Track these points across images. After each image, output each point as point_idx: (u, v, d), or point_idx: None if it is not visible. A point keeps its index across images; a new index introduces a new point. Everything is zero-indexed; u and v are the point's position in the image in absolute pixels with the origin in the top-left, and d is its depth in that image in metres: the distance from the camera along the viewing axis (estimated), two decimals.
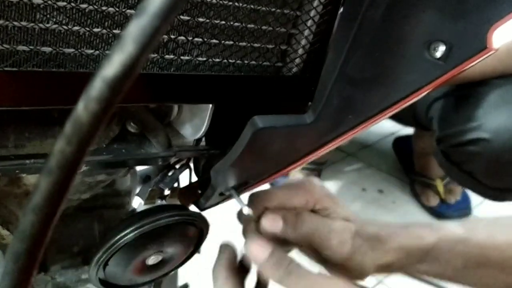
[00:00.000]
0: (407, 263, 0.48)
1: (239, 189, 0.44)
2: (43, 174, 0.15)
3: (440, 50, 0.34)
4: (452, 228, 0.50)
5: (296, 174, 1.47)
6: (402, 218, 1.46)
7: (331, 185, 1.56)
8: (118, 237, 0.39)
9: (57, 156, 0.15)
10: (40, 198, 0.15)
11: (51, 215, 0.16)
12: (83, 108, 0.15)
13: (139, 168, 0.54)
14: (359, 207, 1.48)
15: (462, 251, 0.49)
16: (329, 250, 0.43)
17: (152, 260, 0.43)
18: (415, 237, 0.48)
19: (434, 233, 0.49)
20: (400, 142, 1.72)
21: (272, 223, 0.42)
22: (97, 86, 0.14)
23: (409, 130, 1.66)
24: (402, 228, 0.49)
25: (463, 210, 1.50)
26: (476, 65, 0.37)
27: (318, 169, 1.55)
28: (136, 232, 0.39)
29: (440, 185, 1.50)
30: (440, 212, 1.48)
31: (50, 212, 0.16)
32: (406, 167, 1.65)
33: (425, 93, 0.38)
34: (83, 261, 0.52)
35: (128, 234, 0.39)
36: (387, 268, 0.48)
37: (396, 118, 1.48)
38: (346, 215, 0.46)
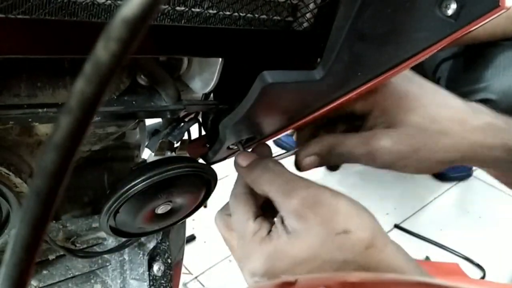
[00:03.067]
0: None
1: (247, 144, 0.45)
2: (63, 113, 0.15)
3: (452, 8, 0.34)
4: None
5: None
6: (404, 177, 1.48)
7: None
8: (130, 185, 0.40)
9: (77, 96, 0.15)
10: (60, 137, 0.15)
11: (71, 153, 0.16)
12: (103, 48, 0.15)
13: (148, 123, 0.55)
14: (362, 166, 1.49)
15: None
16: None
17: (161, 209, 0.44)
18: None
19: None
20: None
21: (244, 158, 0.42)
22: (116, 26, 0.14)
23: None
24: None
25: (463, 171, 1.52)
26: (487, 26, 0.37)
27: None
28: (146, 181, 0.40)
29: None
30: (440, 173, 1.50)
31: (70, 150, 0.16)
32: None
33: (434, 51, 0.38)
34: (93, 211, 0.54)
35: (139, 184, 0.40)
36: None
37: None
38: None
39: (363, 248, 0.34)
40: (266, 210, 0.40)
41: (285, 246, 0.35)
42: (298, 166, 0.44)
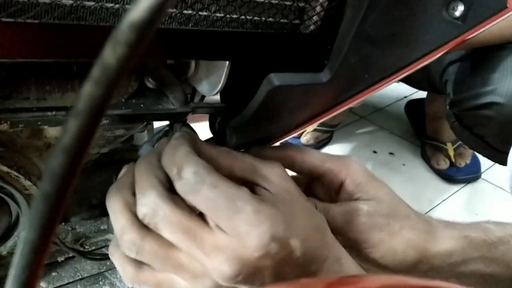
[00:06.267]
0: (469, 256, 0.42)
1: (254, 146, 0.45)
2: (71, 116, 0.15)
3: (459, 9, 0.34)
4: None
5: (308, 134, 1.48)
6: (412, 180, 1.47)
7: (343, 147, 1.57)
8: None
9: (85, 99, 0.15)
10: (69, 140, 0.16)
11: (79, 156, 0.16)
12: (111, 51, 0.15)
13: (156, 125, 0.55)
14: (370, 169, 1.49)
15: None
16: None
17: None
18: (480, 228, 0.44)
19: (500, 228, 0.45)
20: (413, 106, 1.71)
21: None
22: (124, 30, 0.15)
23: (421, 94, 1.65)
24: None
25: (472, 174, 1.51)
26: (494, 28, 0.37)
27: (331, 131, 1.55)
28: None
29: (450, 149, 1.50)
30: (449, 175, 1.49)
31: (78, 153, 0.16)
32: (417, 131, 1.64)
33: (441, 53, 0.38)
34: (102, 213, 0.54)
35: None
36: (443, 257, 0.42)
37: (409, 81, 1.47)
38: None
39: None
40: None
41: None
42: None
